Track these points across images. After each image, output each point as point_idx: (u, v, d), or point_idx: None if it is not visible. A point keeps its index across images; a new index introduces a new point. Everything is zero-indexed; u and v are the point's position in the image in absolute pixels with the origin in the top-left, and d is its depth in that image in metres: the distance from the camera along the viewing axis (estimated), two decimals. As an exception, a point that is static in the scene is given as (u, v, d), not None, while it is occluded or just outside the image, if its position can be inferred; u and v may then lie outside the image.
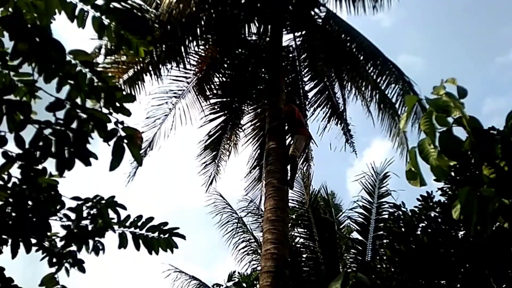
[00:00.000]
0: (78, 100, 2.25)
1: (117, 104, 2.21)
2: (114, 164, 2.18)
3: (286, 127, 9.07)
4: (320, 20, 10.91)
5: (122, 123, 2.18)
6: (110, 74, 2.47)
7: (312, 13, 10.86)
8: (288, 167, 8.53)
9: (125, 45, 2.43)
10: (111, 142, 2.17)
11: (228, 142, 11.62)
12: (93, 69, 2.23)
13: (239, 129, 11.68)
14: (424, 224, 7.75)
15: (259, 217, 11.81)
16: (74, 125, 2.15)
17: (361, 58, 10.44)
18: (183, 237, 2.94)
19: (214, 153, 11.60)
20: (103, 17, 2.30)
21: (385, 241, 9.97)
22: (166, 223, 2.99)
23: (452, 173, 6.58)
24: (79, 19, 2.26)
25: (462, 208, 1.70)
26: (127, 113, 2.23)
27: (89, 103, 2.28)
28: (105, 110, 2.20)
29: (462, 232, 7.34)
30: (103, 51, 8.93)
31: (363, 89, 10.73)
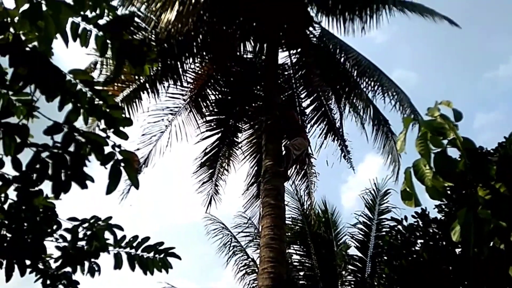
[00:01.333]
0: (80, 119, 2.26)
1: (116, 128, 2.21)
2: (111, 187, 2.19)
3: (287, 131, 9.38)
4: (315, 39, 11.02)
5: (119, 146, 2.19)
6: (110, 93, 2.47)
7: (307, 31, 10.97)
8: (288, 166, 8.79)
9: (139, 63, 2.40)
10: (108, 166, 2.18)
11: (225, 159, 11.60)
12: (93, 88, 2.24)
13: (236, 147, 11.68)
14: (422, 241, 7.73)
15: (256, 234, 11.75)
16: (71, 148, 2.16)
17: (356, 74, 10.51)
18: (178, 257, 2.93)
19: (211, 170, 11.56)
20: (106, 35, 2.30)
21: (384, 258, 9.91)
22: (162, 243, 2.97)
23: (448, 192, 6.60)
24: (82, 38, 2.26)
25: (461, 229, 1.70)
26: (125, 136, 2.24)
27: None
28: (102, 133, 2.21)
29: (459, 250, 7.32)
30: (99, 66, 8.98)
31: (357, 105, 10.82)
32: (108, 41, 2.25)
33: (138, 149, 10.32)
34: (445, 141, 1.80)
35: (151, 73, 9.67)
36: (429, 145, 1.77)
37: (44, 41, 2.08)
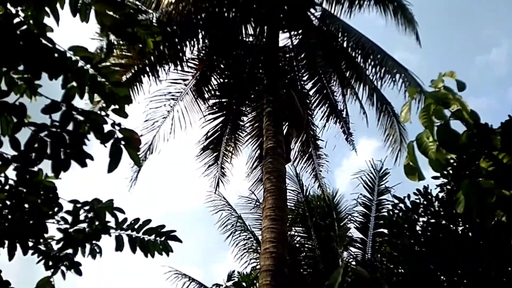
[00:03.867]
0: (86, 98, 2.23)
1: (117, 106, 2.18)
2: (112, 166, 2.16)
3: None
4: (316, 20, 10.91)
5: (119, 124, 2.16)
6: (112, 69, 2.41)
7: (308, 13, 10.84)
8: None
9: (133, 39, 2.36)
10: (108, 144, 2.15)
11: (229, 142, 11.58)
12: (94, 65, 2.20)
13: (239, 130, 11.65)
14: (425, 219, 7.74)
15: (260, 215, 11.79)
16: (70, 127, 2.14)
17: (359, 55, 10.42)
18: (179, 240, 2.92)
19: (215, 154, 11.55)
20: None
21: (385, 237, 9.98)
22: (163, 226, 2.96)
23: (450, 170, 6.59)
24: (82, 13, 2.19)
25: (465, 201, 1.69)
26: (124, 115, 2.21)
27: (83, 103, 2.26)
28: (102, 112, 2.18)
29: (461, 228, 7.34)
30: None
31: (360, 87, 10.79)
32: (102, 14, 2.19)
33: (141, 135, 10.26)
34: (447, 114, 1.78)
35: (152, 56, 9.60)
36: (432, 118, 1.74)
37: (35, 19, 2.04)
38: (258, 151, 11.43)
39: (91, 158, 2.17)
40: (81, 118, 2.17)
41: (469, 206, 1.68)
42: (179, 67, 10.35)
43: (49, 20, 2.18)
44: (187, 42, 10.14)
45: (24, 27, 2.09)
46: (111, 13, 2.14)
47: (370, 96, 10.65)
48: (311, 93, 11.44)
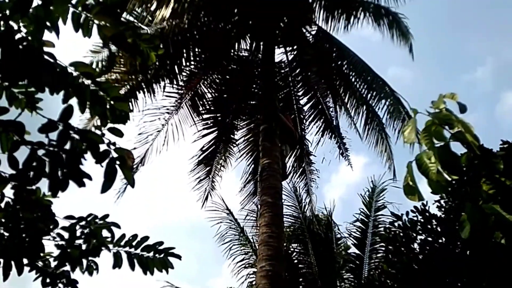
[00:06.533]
0: (87, 114, 2.23)
1: (115, 125, 2.18)
2: (106, 186, 2.14)
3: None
4: (311, 38, 11.01)
5: (114, 144, 2.15)
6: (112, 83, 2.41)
7: (304, 30, 10.95)
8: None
9: (134, 51, 2.36)
10: (104, 164, 2.14)
11: (222, 157, 11.57)
12: (95, 80, 2.19)
13: (233, 144, 11.65)
14: (422, 237, 7.73)
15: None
16: (67, 146, 2.12)
17: (351, 74, 10.53)
18: (178, 257, 2.89)
19: (208, 168, 11.54)
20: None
21: (381, 254, 9.95)
22: (161, 242, 2.93)
23: (449, 189, 6.59)
24: (85, 28, 2.19)
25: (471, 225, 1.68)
26: (120, 134, 2.20)
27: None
28: (97, 131, 2.17)
29: (459, 247, 7.32)
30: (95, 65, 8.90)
31: (352, 104, 10.85)
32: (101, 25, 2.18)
33: (134, 148, 10.32)
34: (447, 135, 1.78)
35: (147, 72, 9.61)
36: (433, 139, 1.75)
37: (35, 33, 2.04)
38: (252, 166, 11.43)
39: (89, 177, 2.16)
40: (77, 137, 2.16)
41: (473, 229, 1.67)
42: (174, 82, 10.37)
43: (50, 36, 2.19)
44: (182, 58, 10.17)
45: (26, 42, 2.10)
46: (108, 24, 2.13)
47: (359, 113, 10.71)
48: (306, 108, 11.53)
